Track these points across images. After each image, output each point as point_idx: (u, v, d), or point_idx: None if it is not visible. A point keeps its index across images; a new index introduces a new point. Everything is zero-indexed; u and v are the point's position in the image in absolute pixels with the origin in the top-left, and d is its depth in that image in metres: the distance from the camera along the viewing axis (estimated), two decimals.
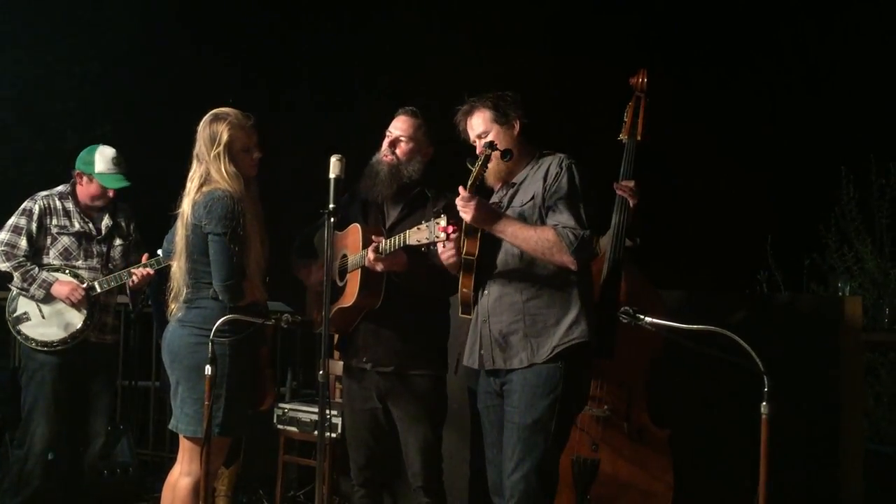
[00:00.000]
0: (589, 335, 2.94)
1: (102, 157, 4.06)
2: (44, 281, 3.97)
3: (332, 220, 3.01)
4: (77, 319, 4.00)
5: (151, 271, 3.91)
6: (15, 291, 4.04)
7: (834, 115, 7.06)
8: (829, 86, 7.28)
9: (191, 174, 3.30)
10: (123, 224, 4.21)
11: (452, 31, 7.60)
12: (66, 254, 4.06)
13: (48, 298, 3.98)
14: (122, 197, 4.19)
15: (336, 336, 3.78)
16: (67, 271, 4.03)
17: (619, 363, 3.40)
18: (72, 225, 4.09)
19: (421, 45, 7.58)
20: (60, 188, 4.15)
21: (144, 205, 4.30)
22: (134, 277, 3.94)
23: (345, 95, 7.90)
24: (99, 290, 4.02)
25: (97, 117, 7.60)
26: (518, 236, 2.91)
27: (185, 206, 3.27)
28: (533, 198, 3.00)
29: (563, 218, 2.90)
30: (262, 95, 7.93)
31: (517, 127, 3.07)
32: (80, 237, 4.08)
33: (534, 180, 3.03)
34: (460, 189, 2.92)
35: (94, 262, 4.09)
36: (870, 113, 6.81)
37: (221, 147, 3.23)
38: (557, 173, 2.96)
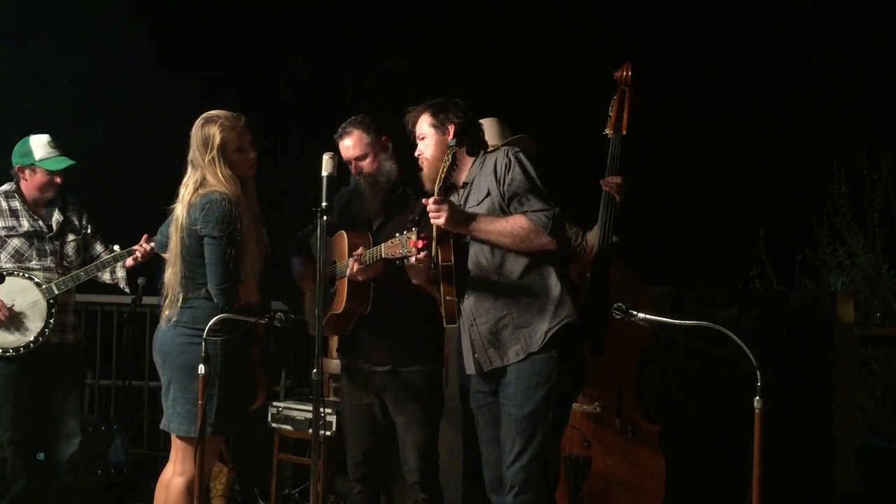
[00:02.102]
0: (576, 311, 2.96)
1: (38, 144, 3.95)
2: None
3: (324, 217, 3.01)
4: (36, 324, 3.89)
5: (148, 247, 3.79)
6: None
7: (825, 110, 7.08)
8: (820, 80, 7.29)
9: (185, 180, 3.25)
10: (75, 219, 4.11)
11: (437, 27, 7.59)
12: (17, 255, 3.95)
13: None
14: (68, 188, 4.09)
15: (336, 337, 3.79)
16: (21, 274, 3.91)
17: (609, 359, 3.40)
18: (20, 225, 3.98)
19: (405, 41, 7.56)
20: (5, 187, 4.04)
21: (137, 203, 4.29)
22: (137, 254, 3.83)
23: (340, 92, 7.88)
24: (57, 291, 3.91)
25: (89, 117, 7.57)
26: (492, 231, 2.93)
27: (179, 211, 3.22)
28: (488, 193, 3.02)
29: (529, 204, 2.93)
30: (257, 94, 7.91)
31: (451, 132, 3.10)
32: (31, 237, 3.97)
33: (483, 176, 3.06)
34: (425, 201, 2.91)
35: (49, 262, 3.97)
36: (861, 107, 6.83)
37: (215, 150, 3.18)
38: (506, 164, 2.99)
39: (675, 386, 3.72)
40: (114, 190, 4.29)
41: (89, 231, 4.15)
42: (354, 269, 3.21)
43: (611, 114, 3.62)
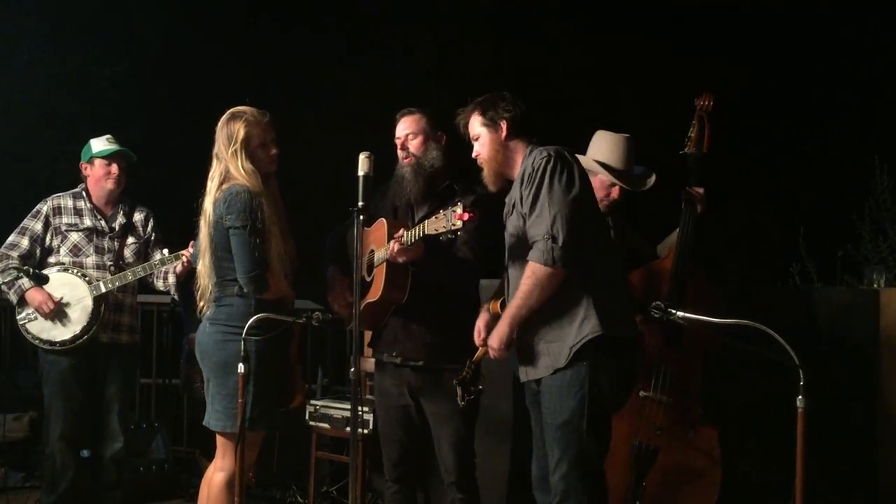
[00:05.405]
0: (602, 327, 2.86)
1: (97, 142, 4.14)
2: (19, 287, 3.95)
3: (361, 217, 3.02)
4: (81, 320, 3.96)
5: (189, 252, 3.82)
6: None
7: (867, 104, 6.96)
8: (861, 74, 7.17)
9: (211, 173, 3.33)
10: (139, 225, 4.20)
11: (499, 36, 7.56)
12: (75, 250, 4.05)
13: (23, 303, 3.97)
14: (132, 194, 4.21)
15: (368, 333, 3.79)
16: (74, 271, 4.00)
17: (684, 356, 3.42)
18: (82, 222, 4.09)
19: (465, 47, 7.53)
20: (76, 189, 4.18)
21: (171, 204, 4.33)
22: (184, 258, 3.86)
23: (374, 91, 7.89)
24: (104, 289, 3.97)
25: (126, 118, 7.65)
26: (523, 307, 2.89)
27: (207, 205, 3.30)
28: (514, 207, 2.98)
29: (534, 230, 2.87)
30: (289, 94, 7.95)
31: (504, 129, 3.05)
32: (91, 233, 4.08)
33: (517, 183, 3.01)
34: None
35: (104, 260, 4.06)
36: None
37: (238, 144, 3.26)
38: (530, 174, 2.90)
39: (718, 384, 3.68)
40: (152, 193, 4.34)
41: (153, 238, 4.22)
42: (395, 250, 3.20)
43: (691, 135, 3.65)
